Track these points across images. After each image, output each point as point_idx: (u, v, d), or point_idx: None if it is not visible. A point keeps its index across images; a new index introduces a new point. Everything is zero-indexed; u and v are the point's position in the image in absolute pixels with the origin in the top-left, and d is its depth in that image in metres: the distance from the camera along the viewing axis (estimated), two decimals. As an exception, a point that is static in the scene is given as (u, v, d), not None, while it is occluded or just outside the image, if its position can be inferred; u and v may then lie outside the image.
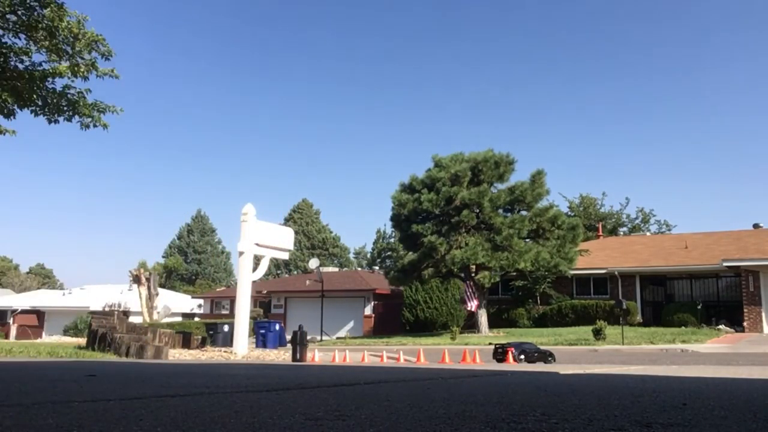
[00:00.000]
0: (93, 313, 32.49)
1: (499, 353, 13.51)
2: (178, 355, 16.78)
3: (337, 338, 31.54)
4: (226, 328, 21.32)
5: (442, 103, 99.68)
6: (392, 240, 49.11)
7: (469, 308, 25.66)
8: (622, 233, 47.44)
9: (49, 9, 10.25)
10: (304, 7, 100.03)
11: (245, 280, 18.43)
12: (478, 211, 25.26)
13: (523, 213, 26.10)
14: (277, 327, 22.23)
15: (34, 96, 10.86)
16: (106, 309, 35.80)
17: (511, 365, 10.99)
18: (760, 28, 75.17)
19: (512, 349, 13.44)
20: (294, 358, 14.72)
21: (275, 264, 56.53)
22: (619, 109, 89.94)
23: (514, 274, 27.97)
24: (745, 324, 25.07)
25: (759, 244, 29.17)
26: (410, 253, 26.98)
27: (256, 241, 18.50)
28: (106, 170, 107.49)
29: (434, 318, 30.81)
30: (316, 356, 16.57)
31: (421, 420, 1.11)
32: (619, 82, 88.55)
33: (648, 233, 45.84)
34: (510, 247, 24.23)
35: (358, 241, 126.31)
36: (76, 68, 10.79)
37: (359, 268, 56.35)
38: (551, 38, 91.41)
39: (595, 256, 30.25)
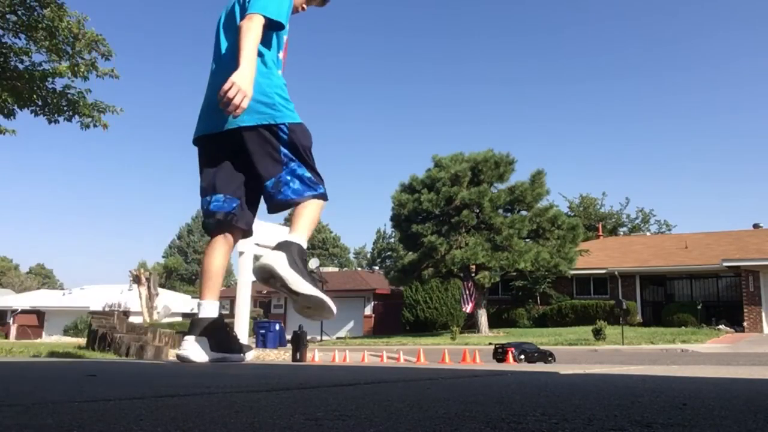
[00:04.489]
0: (93, 313, 32.49)
1: (499, 353, 13.51)
2: (178, 355, 16.78)
3: (337, 338, 31.55)
4: (226, 328, 21.33)
5: (442, 103, 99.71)
6: (392, 240, 49.15)
7: (464, 309, 25.74)
8: (622, 233, 47.48)
9: (49, 9, 10.25)
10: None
11: (245, 280, 18.44)
12: (478, 211, 25.27)
13: (523, 213, 26.12)
14: (277, 327, 22.23)
15: (34, 96, 10.85)
16: (106, 309, 35.83)
17: (511, 365, 10.98)
18: (761, 26, 75.18)
19: (512, 349, 13.44)
20: (294, 358, 14.74)
21: (275, 264, 56.40)
22: (620, 109, 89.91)
23: (514, 274, 27.99)
24: (745, 324, 25.09)
25: (759, 244, 29.18)
26: (410, 253, 27.01)
27: (256, 241, 18.48)
28: (106, 170, 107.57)
29: (434, 318, 30.83)
30: (316, 356, 16.58)
31: (421, 420, 1.11)
32: (620, 82, 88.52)
33: (648, 233, 45.88)
34: (510, 247, 24.25)
35: (358, 241, 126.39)
36: (76, 68, 10.78)
37: (359, 268, 56.37)
38: (551, 37, 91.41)
39: (595, 256, 30.26)
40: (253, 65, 2.61)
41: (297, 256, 2.70)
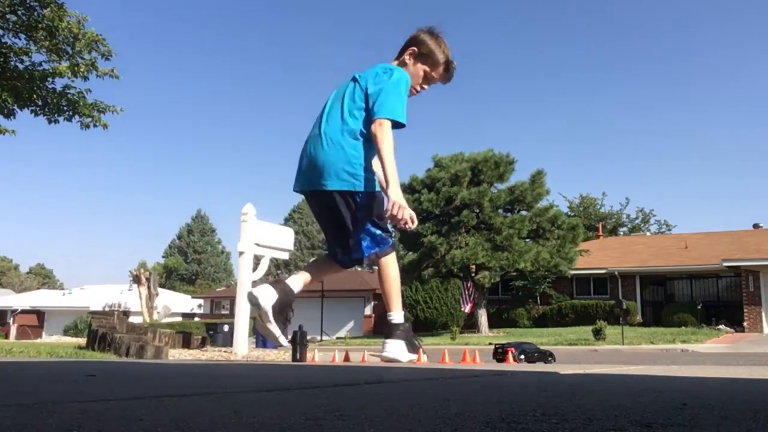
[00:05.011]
0: (93, 313, 32.46)
1: (499, 353, 13.49)
2: (178, 355, 16.75)
3: (337, 338, 31.54)
4: (226, 328, 21.30)
5: (442, 103, 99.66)
6: (392, 240, 49.09)
7: (463, 309, 25.76)
8: (622, 233, 47.48)
9: (49, 9, 10.24)
10: (304, 6, 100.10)
11: (245, 280, 18.42)
12: (478, 211, 25.26)
13: (523, 213, 26.10)
14: (277, 327, 22.21)
15: (34, 96, 10.85)
16: (106, 309, 35.81)
17: (511, 365, 10.98)
18: (761, 26, 75.16)
19: (512, 349, 13.40)
20: (294, 358, 14.70)
21: (275, 264, 56.53)
22: (619, 109, 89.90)
23: (514, 274, 27.98)
24: (745, 324, 25.08)
25: (759, 244, 29.17)
26: (410, 253, 26.99)
27: (256, 241, 18.49)
28: (106, 170, 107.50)
29: (434, 318, 30.81)
30: (316, 356, 16.56)
31: (421, 420, 1.11)
32: (619, 81, 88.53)
33: (648, 233, 45.89)
34: (510, 247, 24.24)
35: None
36: (76, 68, 10.77)
37: (359, 268, 56.40)
38: (551, 36, 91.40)
39: (595, 256, 30.25)
40: (397, 179, 2.89)
41: (410, 335, 3.33)
